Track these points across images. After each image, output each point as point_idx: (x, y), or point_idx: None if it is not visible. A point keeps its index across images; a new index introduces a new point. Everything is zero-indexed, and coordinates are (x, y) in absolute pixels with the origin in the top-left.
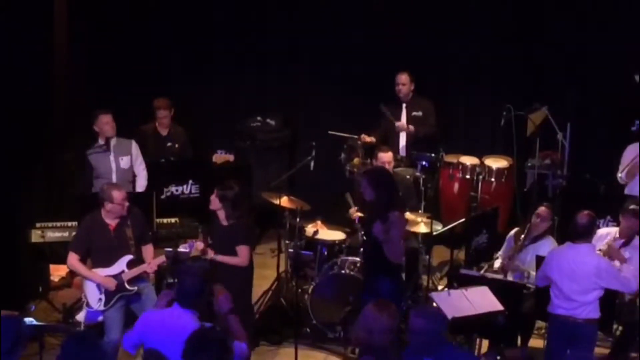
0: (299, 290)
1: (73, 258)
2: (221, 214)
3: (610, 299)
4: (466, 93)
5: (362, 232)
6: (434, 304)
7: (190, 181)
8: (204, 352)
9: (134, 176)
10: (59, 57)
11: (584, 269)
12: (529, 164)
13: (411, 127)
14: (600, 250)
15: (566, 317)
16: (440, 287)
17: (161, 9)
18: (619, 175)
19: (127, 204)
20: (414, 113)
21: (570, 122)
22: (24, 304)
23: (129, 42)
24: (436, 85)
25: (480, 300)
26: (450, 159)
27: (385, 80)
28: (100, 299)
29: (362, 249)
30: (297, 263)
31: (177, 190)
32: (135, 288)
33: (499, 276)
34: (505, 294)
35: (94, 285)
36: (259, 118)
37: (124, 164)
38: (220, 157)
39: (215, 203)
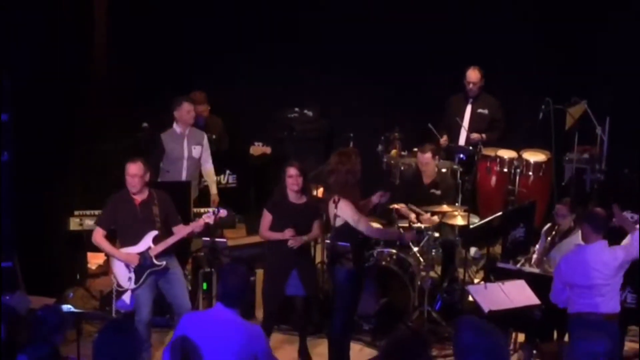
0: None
1: (98, 233)
2: (297, 194)
3: None
4: (505, 86)
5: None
6: (470, 298)
7: (228, 171)
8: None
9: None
10: (99, 47)
11: (604, 265)
12: (567, 158)
13: (484, 136)
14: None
15: (587, 313)
16: (476, 281)
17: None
18: None
19: (138, 180)
20: (480, 110)
21: (609, 116)
22: (62, 292)
23: (165, 35)
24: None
25: (517, 294)
26: (488, 152)
27: (423, 72)
28: (130, 278)
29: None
30: (333, 254)
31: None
32: (164, 263)
33: (536, 270)
34: (542, 287)
35: (123, 265)
36: (296, 109)
37: (195, 153)
38: (257, 149)
39: (300, 181)
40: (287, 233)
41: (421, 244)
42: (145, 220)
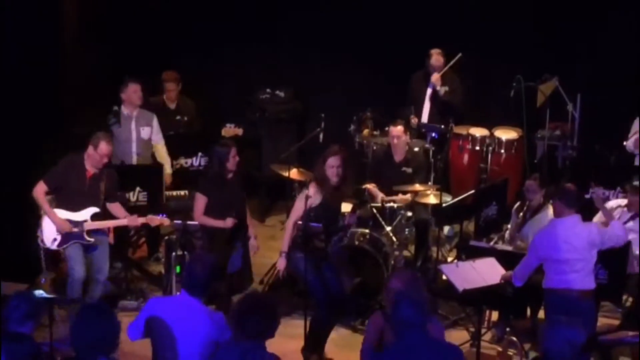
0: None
1: (41, 188)
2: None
3: (620, 270)
4: (476, 64)
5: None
6: (443, 277)
7: (200, 154)
8: (254, 316)
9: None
10: (69, 30)
11: (578, 239)
12: (539, 135)
13: (445, 88)
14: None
15: (563, 290)
16: (449, 259)
17: None
18: (626, 143)
19: (105, 160)
20: (439, 87)
21: (580, 93)
22: (34, 277)
23: (140, 16)
24: (446, 56)
25: (488, 272)
26: (460, 130)
27: (395, 51)
28: (55, 239)
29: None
30: (306, 235)
31: (186, 163)
32: (92, 240)
33: (509, 247)
34: (514, 265)
35: (52, 225)
36: (268, 90)
37: (144, 134)
38: (229, 130)
39: (237, 160)
40: (229, 222)
41: (394, 224)
42: (91, 194)
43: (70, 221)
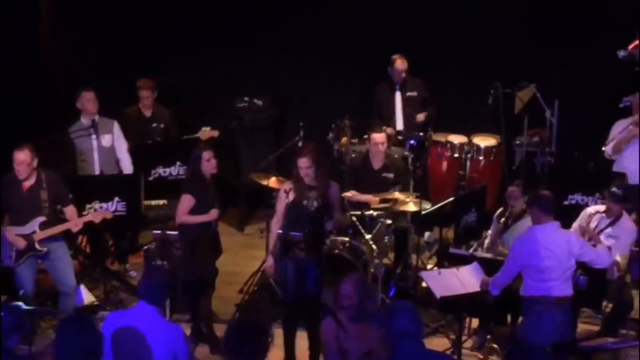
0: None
1: None
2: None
3: (600, 277)
4: (453, 71)
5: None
6: (423, 284)
7: (178, 163)
8: (250, 345)
9: (117, 158)
10: (45, 37)
11: (556, 246)
12: (517, 142)
13: (422, 116)
14: (580, 226)
15: (541, 297)
16: (429, 266)
17: None
18: (605, 148)
19: (25, 167)
20: (409, 94)
21: (559, 99)
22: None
23: (115, 24)
24: (423, 64)
25: (470, 279)
26: (439, 137)
27: (373, 58)
28: (10, 256)
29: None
30: (286, 244)
31: (164, 172)
32: (45, 248)
33: (488, 255)
34: (494, 272)
35: (7, 242)
36: (246, 99)
37: (105, 142)
38: (205, 133)
39: (215, 163)
40: (214, 213)
41: (374, 231)
42: (33, 205)
43: (21, 235)
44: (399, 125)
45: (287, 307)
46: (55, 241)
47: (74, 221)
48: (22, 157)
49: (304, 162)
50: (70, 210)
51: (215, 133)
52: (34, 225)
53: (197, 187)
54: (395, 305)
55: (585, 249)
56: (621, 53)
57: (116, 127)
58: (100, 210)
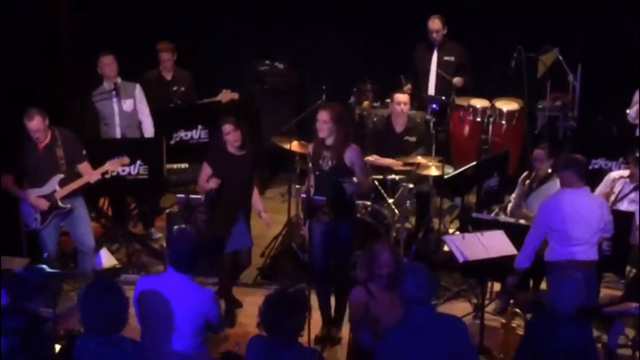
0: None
1: (7, 179)
2: (237, 147)
3: (623, 242)
4: (476, 35)
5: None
6: (445, 248)
7: (200, 126)
8: (289, 317)
9: (139, 122)
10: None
11: (589, 211)
12: (540, 106)
13: (460, 81)
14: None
15: (567, 261)
16: (451, 231)
17: None
18: (628, 111)
19: (38, 135)
20: (446, 58)
21: (581, 63)
22: (37, 252)
23: None
24: (446, 28)
25: (494, 245)
26: (461, 101)
27: (395, 21)
28: (36, 219)
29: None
30: (310, 208)
31: (186, 136)
32: (69, 205)
33: (511, 219)
34: (517, 237)
35: (29, 206)
36: (267, 62)
37: (126, 107)
38: (225, 95)
39: (238, 135)
40: (213, 182)
41: (396, 196)
42: (50, 163)
43: (42, 197)
44: (431, 88)
45: (315, 269)
46: (76, 198)
47: (92, 173)
48: (35, 125)
49: (321, 115)
50: (85, 167)
51: (236, 95)
52: (53, 184)
53: (216, 159)
54: (405, 269)
55: (611, 219)
56: None
57: (138, 90)
58: (117, 159)
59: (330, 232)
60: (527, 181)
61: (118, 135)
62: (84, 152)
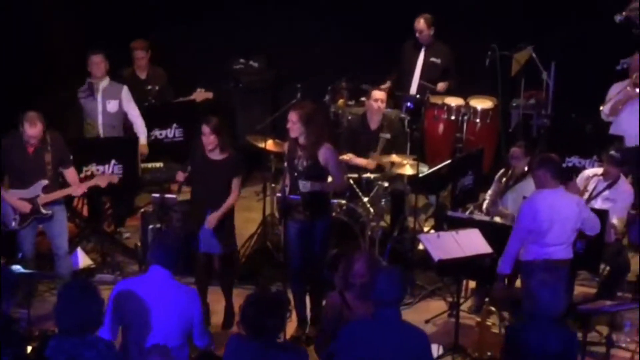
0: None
1: None
2: (215, 151)
3: (597, 240)
4: (450, 33)
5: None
6: (420, 246)
7: (174, 125)
8: (271, 318)
9: (131, 124)
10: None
11: (568, 210)
12: (514, 104)
13: (443, 86)
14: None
15: (543, 261)
16: (426, 229)
17: None
18: (602, 108)
19: (33, 142)
20: (432, 59)
21: (555, 61)
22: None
23: None
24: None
25: (469, 243)
26: (435, 100)
27: (370, 20)
28: (15, 219)
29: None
30: (285, 207)
31: (160, 135)
32: (50, 212)
33: (486, 218)
34: (492, 235)
35: (7, 205)
36: (241, 60)
37: (110, 108)
38: (200, 94)
39: (212, 139)
40: (180, 176)
41: (371, 194)
42: (36, 167)
43: (24, 199)
44: (414, 88)
45: (291, 269)
46: (57, 205)
47: (78, 185)
48: (36, 132)
49: (290, 115)
50: (70, 173)
51: (210, 94)
52: (37, 188)
53: (194, 156)
54: (379, 270)
55: (589, 214)
56: (617, 17)
57: (125, 92)
58: (107, 174)
59: (306, 230)
60: (504, 179)
61: (100, 134)
62: (71, 157)
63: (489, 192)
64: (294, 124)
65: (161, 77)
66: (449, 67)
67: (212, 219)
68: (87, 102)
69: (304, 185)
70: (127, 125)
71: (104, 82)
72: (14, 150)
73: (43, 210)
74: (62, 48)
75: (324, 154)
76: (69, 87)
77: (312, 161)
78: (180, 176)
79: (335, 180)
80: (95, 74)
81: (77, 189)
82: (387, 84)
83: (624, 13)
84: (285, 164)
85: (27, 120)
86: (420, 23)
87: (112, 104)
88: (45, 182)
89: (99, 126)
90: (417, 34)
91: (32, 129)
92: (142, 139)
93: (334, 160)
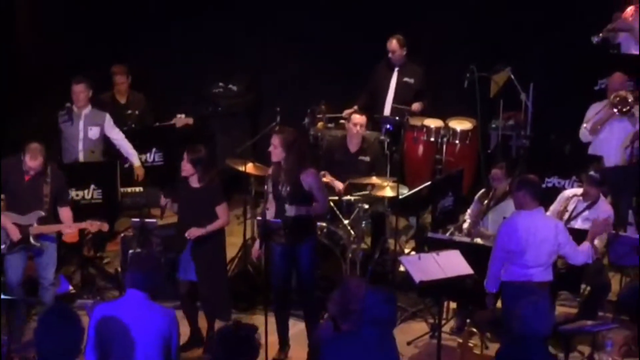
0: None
1: None
2: (193, 179)
3: None
4: (430, 54)
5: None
6: (402, 268)
7: (154, 149)
8: (238, 357)
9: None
10: (22, 24)
11: (545, 233)
12: (493, 125)
13: (418, 106)
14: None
15: (522, 282)
16: (407, 251)
17: None
18: (584, 125)
19: (32, 173)
20: (406, 79)
21: (533, 82)
22: None
23: (91, 11)
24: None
25: (450, 264)
26: (415, 121)
27: (349, 43)
28: (5, 242)
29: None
30: (265, 231)
31: (140, 159)
32: (39, 244)
33: (466, 239)
34: (473, 256)
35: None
36: (220, 84)
37: (92, 134)
38: (180, 120)
39: (188, 168)
40: (162, 200)
41: (352, 217)
42: (33, 197)
43: (17, 225)
44: (387, 108)
45: (274, 291)
46: (49, 239)
47: (70, 224)
48: (36, 165)
49: (273, 139)
50: (65, 212)
51: (190, 120)
52: (32, 218)
53: (174, 187)
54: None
55: (568, 241)
56: (595, 39)
57: (107, 119)
58: (99, 222)
59: (288, 253)
60: (485, 200)
61: (80, 158)
62: (70, 197)
63: (468, 211)
64: (276, 148)
65: (141, 102)
66: (423, 87)
67: (193, 232)
68: (66, 126)
69: (289, 210)
70: (112, 152)
71: (86, 110)
72: (12, 174)
73: (32, 241)
74: (40, 71)
75: (306, 179)
76: (48, 110)
77: (295, 186)
78: (163, 201)
79: (320, 204)
80: (77, 102)
81: (67, 228)
82: (354, 109)
83: (600, 35)
84: (270, 188)
85: (29, 152)
86: (393, 44)
87: (94, 130)
88: (42, 213)
89: (78, 151)
90: (390, 55)
91: (33, 161)
92: (135, 160)
93: (317, 184)
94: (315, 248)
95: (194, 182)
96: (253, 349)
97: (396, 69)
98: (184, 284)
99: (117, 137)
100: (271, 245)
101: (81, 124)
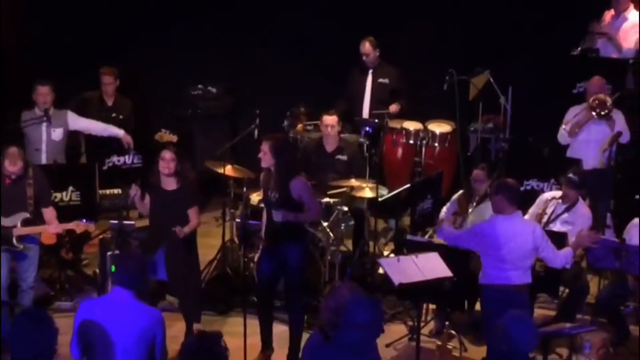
0: (245, 259)
1: None
2: (169, 181)
3: None
4: (408, 58)
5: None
6: (380, 271)
7: (133, 151)
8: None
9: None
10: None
11: (522, 237)
12: (472, 128)
13: (395, 107)
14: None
15: (500, 285)
16: (385, 253)
17: None
18: (563, 127)
19: (13, 177)
20: (380, 80)
21: (512, 85)
22: None
23: (74, 12)
24: (379, 50)
25: (429, 267)
26: (394, 124)
27: (327, 45)
28: None
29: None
30: (245, 233)
31: (119, 161)
32: (22, 246)
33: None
34: (451, 259)
35: None
36: (200, 86)
37: (55, 136)
38: (164, 136)
39: (172, 166)
40: (133, 189)
41: (331, 219)
42: (16, 199)
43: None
44: (365, 111)
45: (259, 293)
46: (32, 241)
47: (55, 224)
48: (16, 170)
49: (262, 145)
50: (49, 212)
51: (174, 138)
52: (16, 219)
53: (152, 183)
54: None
55: (546, 244)
56: (574, 53)
57: (69, 115)
58: (85, 222)
59: (275, 256)
60: (471, 202)
61: (43, 161)
62: (52, 197)
63: (444, 209)
64: (265, 154)
65: (127, 106)
66: (399, 88)
67: (185, 229)
68: (33, 129)
69: (276, 215)
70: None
71: (50, 112)
72: None
73: (15, 243)
74: (26, 75)
75: (295, 186)
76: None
77: (284, 192)
78: (133, 189)
79: (311, 212)
80: (43, 105)
81: (51, 228)
82: (332, 111)
83: (579, 49)
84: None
85: (8, 157)
86: (366, 46)
87: (57, 132)
88: (26, 215)
89: (43, 153)
90: (364, 58)
91: (12, 166)
92: (117, 131)
93: (307, 192)
94: (304, 253)
95: (169, 185)
96: (219, 356)
97: (370, 71)
98: (154, 282)
99: (86, 124)
100: (261, 246)
101: (44, 126)
